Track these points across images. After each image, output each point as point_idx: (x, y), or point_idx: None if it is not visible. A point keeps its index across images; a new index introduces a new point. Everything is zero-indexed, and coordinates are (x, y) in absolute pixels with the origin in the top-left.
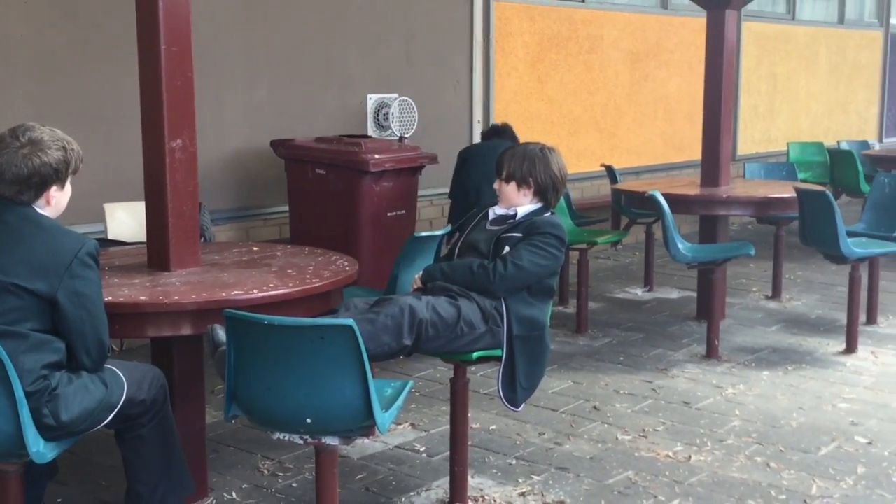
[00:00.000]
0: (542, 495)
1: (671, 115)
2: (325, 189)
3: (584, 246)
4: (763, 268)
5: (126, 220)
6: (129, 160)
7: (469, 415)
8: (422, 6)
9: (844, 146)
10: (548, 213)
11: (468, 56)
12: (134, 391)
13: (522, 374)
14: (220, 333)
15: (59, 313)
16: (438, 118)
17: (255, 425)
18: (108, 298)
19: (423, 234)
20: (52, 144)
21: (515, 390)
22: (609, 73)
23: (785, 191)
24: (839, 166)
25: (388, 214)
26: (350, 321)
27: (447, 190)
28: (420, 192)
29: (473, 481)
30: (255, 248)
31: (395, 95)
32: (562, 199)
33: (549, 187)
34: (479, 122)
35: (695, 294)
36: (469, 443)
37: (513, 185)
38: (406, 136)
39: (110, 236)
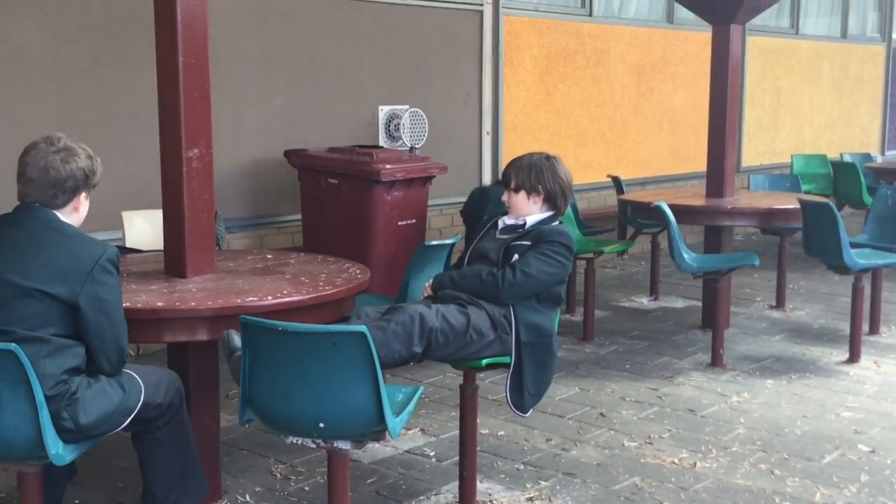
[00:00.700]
0: (550, 500)
1: (676, 127)
2: (337, 198)
3: (590, 255)
4: (767, 278)
5: (143, 228)
6: (146, 169)
7: (478, 420)
8: (433, 20)
9: (847, 158)
10: (556, 223)
11: (478, 68)
12: (151, 395)
13: (530, 380)
14: (236, 339)
15: (79, 318)
16: (449, 129)
17: (268, 429)
18: (125, 304)
19: (434, 242)
20: (80, 152)
21: (523, 396)
22: (616, 85)
23: (789, 202)
24: (842, 178)
25: (399, 223)
26: (362, 327)
27: (457, 200)
28: (430, 202)
29: (482, 486)
30: (269, 256)
31: (407, 107)
32: (569, 209)
33: (557, 193)
34: (487, 133)
35: (700, 303)
36: (478, 448)
37: (522, 194)
38: (417, 146)
39: (128, 244)
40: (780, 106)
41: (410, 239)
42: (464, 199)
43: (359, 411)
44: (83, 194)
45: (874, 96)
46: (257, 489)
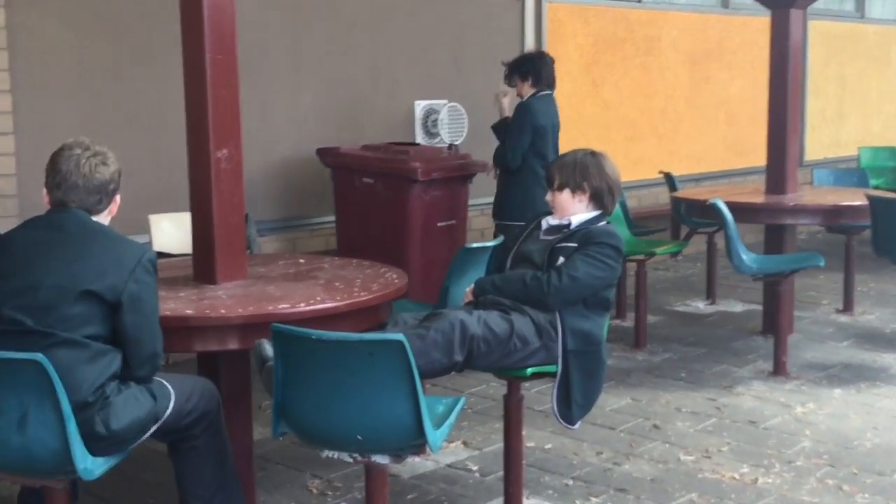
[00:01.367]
0: None
1: (733, 119)
2: (372, 198)
3: (641, 257)
4: (833, 280)
5: (171, 232)
6: (174, 170)
7: (523, 433)
8: (471, 9)
9: None
10: (604, 222)
11: None
12: (182, 403)
13: (578, 390)
14: (268, 348)
15: (119, 318)
16: (489, 124)
17: (303, 443)
18: None
19: (475, 244)
20: (109, 155)
21: (571, 407)
22: (668, 75)
23: (856, 198)
24: None
25: (438, 224)
26: (400, 336)
27: None
28: (471, 202)
29: (528, 502)
30: (301, 260)
31: (445, 101)
32: (618, 208)
33: (604, 191)
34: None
35: (760, 307)
36: (523, 462)
37: (566, 192)
38: (456, 143)
39: (155, 248)
40: (846, 95)
41: (450, 241)
42: None
43: (397, 424)
44: (117, 196)
45: None
46: None
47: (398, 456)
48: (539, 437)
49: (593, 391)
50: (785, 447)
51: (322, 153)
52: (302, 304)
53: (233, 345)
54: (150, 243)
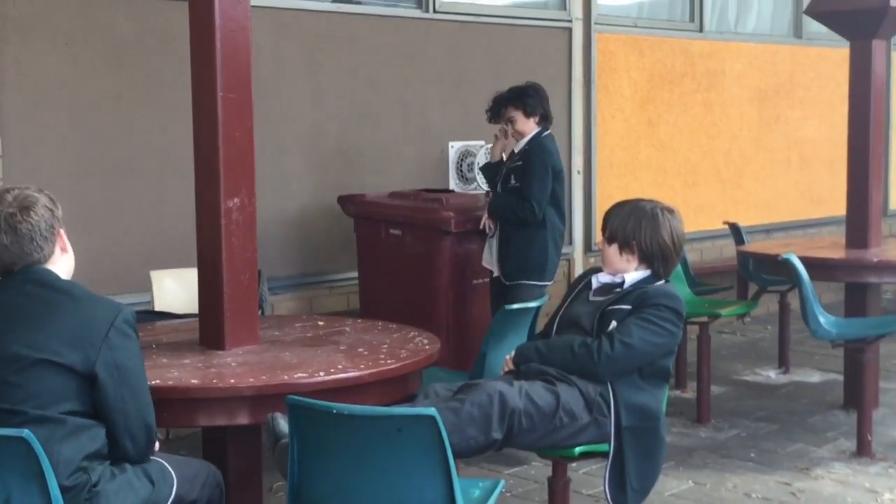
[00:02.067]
0: None
1: (808, 163)
2: (400, 252)
3: (704, 319)
4: None
5: (175, 290)
6: (179, 221)
7: None
8: (512, 40)
9: None
10: (661, 281)
11: (566, 96)
12: (185, 490)
13: (633, 472)
14: (282, 423)
15: (98, 391)
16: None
17: None
18: (154, 381)
19: (515, 305)
20: (31, 194)
21: (625, 492)
22: (733, 113)
23: None
24: None
25: (475, 282)
26: (431, 410)
27: None
28: None
29: None
30: (320, 323)
31: (482, 143)
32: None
33: (655, 255)
34: (578, 172)
35: (840, 377)
36: None
37: (614, 247)
38: None
39: (157, 308)
40: None
41: (488, 301)
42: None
43: None
44: (61, 229)
45: None
46: None
47: None
48: None
49: (650, 473)
50: None
51: (344, 201)
52: (321, 373)
53: (242, 419)
54: (151, 303)
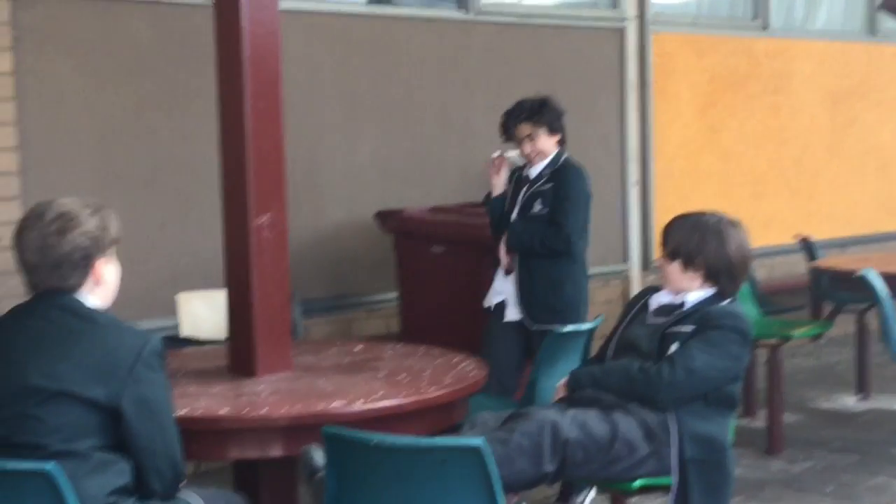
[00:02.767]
0: None
1: (886, 171)
2: (444, 271)
3: (775, 341)
4: None
5: (203, 314)
6: (206, 239)
7: None
8: (561, 42)
9: None
10: (726, 301)
11: (619, 101)
12: None
13: None
14: (318, 455)
15: (124, 426)
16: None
17: None
18: (182, 411)
19: (568, 328)
20: (81, 212)
21: None
22: (802, 118)
23: None
24: None
25: None
26: (478, 441)
27: (598, 270)
28: None
29: None
30: (358, 348)
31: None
32: None
33: (720, 271)
34: (635, 183)
35: None
36: None
37: (677, 264)
38: None
39: (184, 333)
40: None
41: None
42: (606, 269)
43: None
44: (100, 260)
45: None
46: None
47: None
48: None
49: None
50: None
51: (382, 217)
52: (359, 402)
53: (276, 451)
54: (178, 327)
